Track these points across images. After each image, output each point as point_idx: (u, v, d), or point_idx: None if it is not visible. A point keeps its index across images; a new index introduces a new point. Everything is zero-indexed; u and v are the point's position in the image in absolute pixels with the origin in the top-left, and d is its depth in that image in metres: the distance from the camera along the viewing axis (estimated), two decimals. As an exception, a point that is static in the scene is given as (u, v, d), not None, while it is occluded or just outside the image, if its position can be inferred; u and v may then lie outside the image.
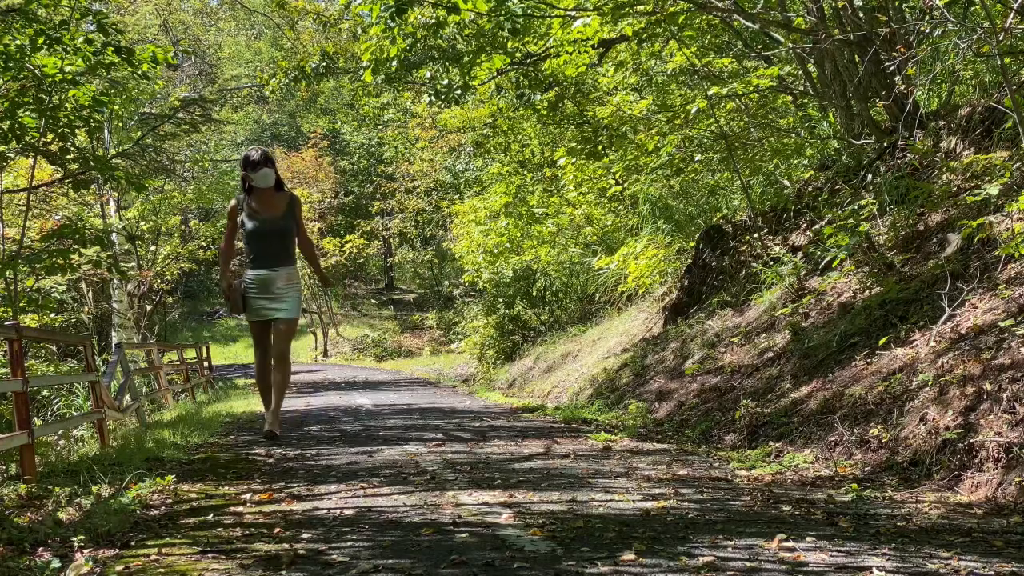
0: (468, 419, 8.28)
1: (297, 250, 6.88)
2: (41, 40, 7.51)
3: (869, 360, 5.50)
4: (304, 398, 12.00)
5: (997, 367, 4.39)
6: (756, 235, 8.91)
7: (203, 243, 24.57)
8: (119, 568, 2.89)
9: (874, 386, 5.13)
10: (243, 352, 32.80)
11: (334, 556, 2.95)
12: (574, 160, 14.33)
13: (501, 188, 17.09)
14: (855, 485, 4.12)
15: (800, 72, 9.33)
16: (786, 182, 9.94)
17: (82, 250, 9.74)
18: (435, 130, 28.31)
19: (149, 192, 18.89)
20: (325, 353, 32.11)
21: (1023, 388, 4.12)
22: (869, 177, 7.73)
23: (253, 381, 18.03)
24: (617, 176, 14.44)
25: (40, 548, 3.17)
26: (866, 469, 4.47)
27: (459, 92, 10.52)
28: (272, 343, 6.49)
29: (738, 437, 5.85)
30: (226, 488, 4.45)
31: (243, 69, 36.56)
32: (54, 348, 15.10)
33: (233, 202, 6.55)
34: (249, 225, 6.37)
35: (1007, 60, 6.27)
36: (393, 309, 37.66)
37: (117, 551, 3.14)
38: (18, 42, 7.64)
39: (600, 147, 13.79)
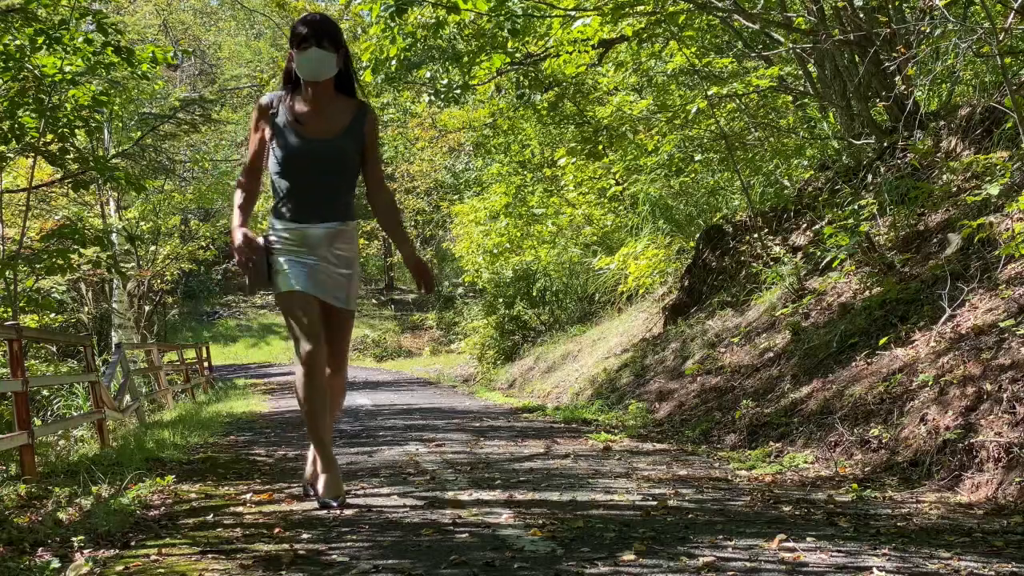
0: (468, 419, 8.28)
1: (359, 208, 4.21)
2: (41, 40, 7.51)
3: (869, 360, 5.50)
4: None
5: (997, 367, 4.39)
6: (756, 235, 8.91)
7: (203, 243, 24.57)
8: (119, 568, 2.88)
9: (874, 386, 5.13)
10: (243, 352, 32.80)
11: (334, 556, 2.95)
12: (574, 160, 14.34)
13: (501, 188, 17.09)
14: (855, 485, 4.12)
15: (800, 72, 9.33)
16: (786, 182, 9.94)
17: (82, 250, 9.74)
18: (435, 130, 28.31)
19: (149, 192, 18.88)
20: (325, 353, 32.05)
21: (1023, 388, 4.12)
22: (869, 177, 7.73)
23: (254, 381, 18.03)
24: (617, 176, 14.44)
25: (40, 548, 3.17)
26: (866, 469, 4.47)
27: (459, 92, 10.53)
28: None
29: (738, 437, 5.85)
30: (226, 488, 4.45)
31: (243, 69, 36.53)
32: (54, 348, 15.10)
33: (264, 100, 3.85)
34: (283, 146, 3.75)
35: (1007, 60, 6.27)
36: (393, 309, 37.65)
37: (117, 551, 3.13)
38: (18, 42, 7.65)
39: (600, 147, 13.80)
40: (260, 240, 3.83)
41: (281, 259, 3.78)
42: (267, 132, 3.79)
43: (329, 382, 3.87)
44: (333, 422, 4.04)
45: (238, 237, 3.78)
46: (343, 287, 3.84)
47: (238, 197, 3.91)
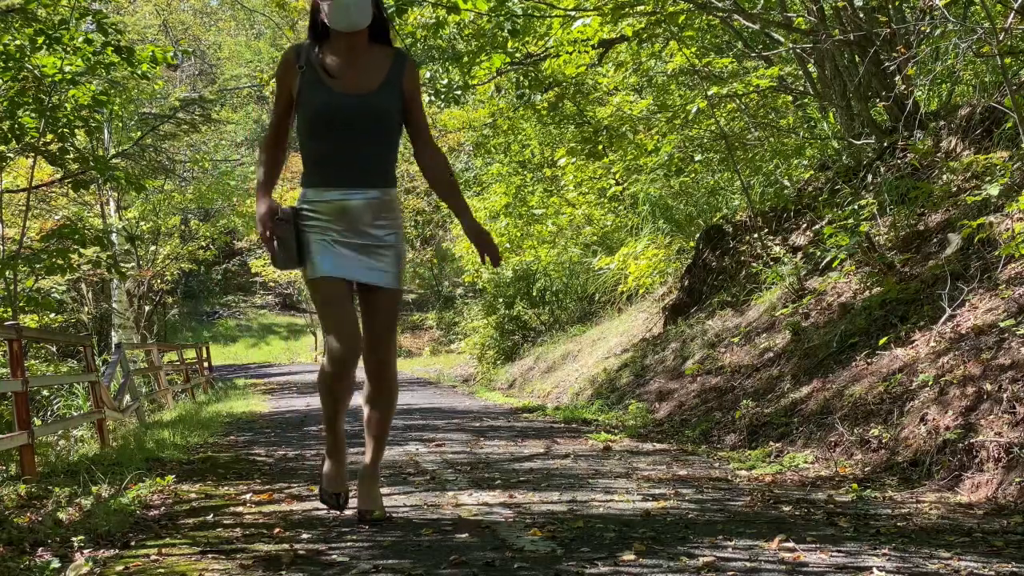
0: (468, 419, 8.28)
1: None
2: (41, 40, 7.51)
3: (869, 360, 5.50)
4: (305, 398, 12.01)
5: (997, 367, 4.39)
6: (756, 235, 8.91)
7: (203, 243, 24.56)
8: (119, 568, 2.88)
9: (874, 386, 5.13)
10: (243, 352, 32.79)
11: (334, 556, 2.95)
12: (574, 160, 14.34)
13: (501, 188, 17.10)
14: (855, 485, 4.12)
15: (800, 72, 9.34)
16: (786, 182, 9.94)
17: (82, 250, 9.74)
18: (435, 130, 28.32)
19: (149, 192, 18.90)
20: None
21: (1023, 388, 4.12)
22: (869, 177, 7.73)
23: (254, 381, 18.00)
24: (617, 176, 14.44)
25: (40, 548, 3.17)
26: (866, 469, 4.47)
27: (459, 92, 10.53)
28: (364, 336, 3.39)
29: (738, 437, 5.85)
30: (226, 488, 4.45)
31: (243, 69, 36.52)
32: (54, 348, 15.10)
33: (289, 52, 3.41)
34: (313, 105, 3.31)
35: (1007, 60, 6.27)
36: (393, 309, 37.58)
37: (117, 551, 3.13)
38: (18, 42, 7.65)
39: (600, 147, 13.80)
40: (288, 210, 3.36)
41: (312, 239, 3.31)
42: (294, 89, 3.33)
43: (374, 384, 3.43)
44: (388, 431, 3.58)
45: (262, 208, 3.35)
46: (388, 263, 3.35)
47: (262, 164, 3.45)
